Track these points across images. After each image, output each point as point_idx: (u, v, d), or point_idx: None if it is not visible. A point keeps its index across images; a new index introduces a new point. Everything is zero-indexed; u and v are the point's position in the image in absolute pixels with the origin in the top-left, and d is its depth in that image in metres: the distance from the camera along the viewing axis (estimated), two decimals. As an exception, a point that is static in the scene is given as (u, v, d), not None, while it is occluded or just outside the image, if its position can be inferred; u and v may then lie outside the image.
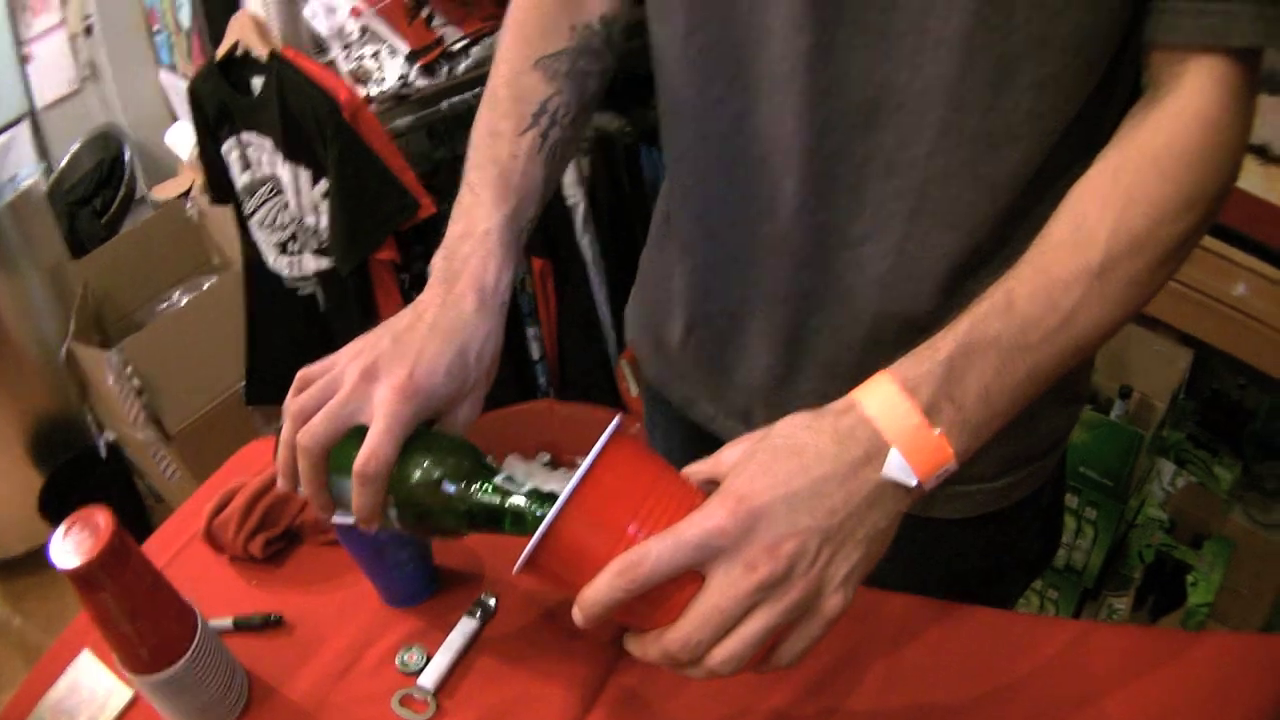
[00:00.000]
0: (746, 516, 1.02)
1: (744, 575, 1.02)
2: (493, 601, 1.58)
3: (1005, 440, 1.24)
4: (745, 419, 1.66)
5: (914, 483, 1.06)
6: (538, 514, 1.15)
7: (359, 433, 1.22)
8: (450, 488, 1.20)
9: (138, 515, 4.19)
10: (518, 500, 1.17)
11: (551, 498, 1.15)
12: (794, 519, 1.03)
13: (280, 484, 1.31)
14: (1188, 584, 3.09)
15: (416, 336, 1.29)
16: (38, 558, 4.13)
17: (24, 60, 4.72)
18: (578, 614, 1.06)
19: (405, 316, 1.33)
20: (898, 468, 1.05)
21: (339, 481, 1.25)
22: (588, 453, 1.09)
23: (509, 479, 1.19)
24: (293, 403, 1.27)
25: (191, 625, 1.39)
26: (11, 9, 4.60)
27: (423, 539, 1.34)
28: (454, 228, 1.43)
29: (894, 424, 1.06)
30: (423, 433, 1.26)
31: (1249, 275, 2.74)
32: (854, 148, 1.33)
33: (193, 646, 1.37)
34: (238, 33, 3.10)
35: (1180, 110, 1.16)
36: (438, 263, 1.40)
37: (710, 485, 1.10)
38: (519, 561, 1.06)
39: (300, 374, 1.31)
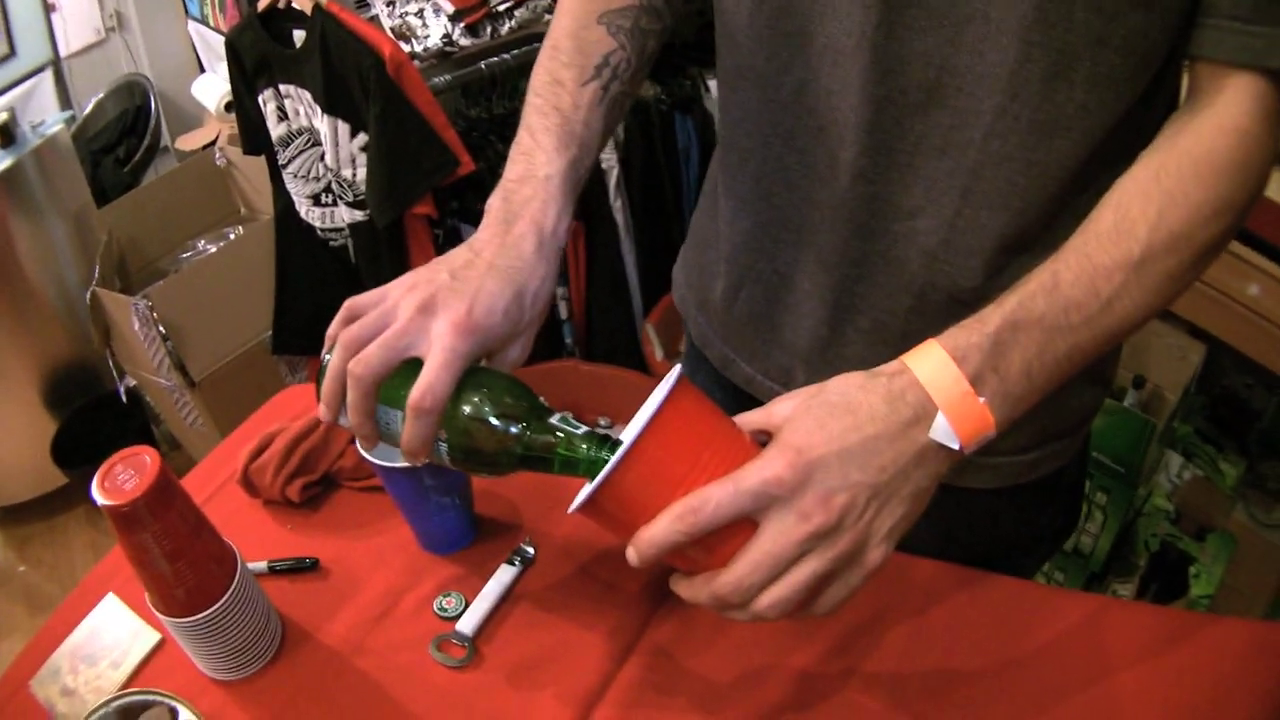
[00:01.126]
0: (804, 468, 1.07)
1: (798, 524, 1.07)
2: (531, 550, 1.60)
3: (1036, 415, 1.27)
4: (785, 381, 1.67)
5: (957, 446, 1.11)
6: (595, 456, 1.17)
7: (412, 366, 1.22)
8: (505, 426, 1.21)
9: (154, 460, 4.15)
10: (576, 442, 1.19)
11: (607, 441, 1.18)
12: (846, 473, 1.08)
13: (323, 413, 1.30)
14: (1190, 575, 3.12)
15: (475, 274, 1.29)
16: (45, 503, 4.20)
17: (49, 9, 4.70)
18: (633, 554, 1.10)
19: (461, 254, 1.33)
20: (943, 431, 1.11)
21: (387, 413, 1.25)
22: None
23: (565, 419, 1.21)
24: (344, 331, 1.26)
25: (230, 568, 1.40)
26: None
27: (470, 474, 1.33)
28: (512, 169, 1.43)
29: (942, 390, 1.11)
30: (477, 370, 1.26)
31: (1262, 276, 2.78)
32: (912, 125, 1.35)
33: (230, 589, 1.39)
34: None
35: (1220, 122, 1.21)
36: (495, 204, 1.40)
37: (762, 436, 1.16)
38: (579, 500, 1.09)
39: (349, 303, 1.31)
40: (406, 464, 1.46)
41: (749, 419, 1.18)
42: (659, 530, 1.07)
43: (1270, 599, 3.12)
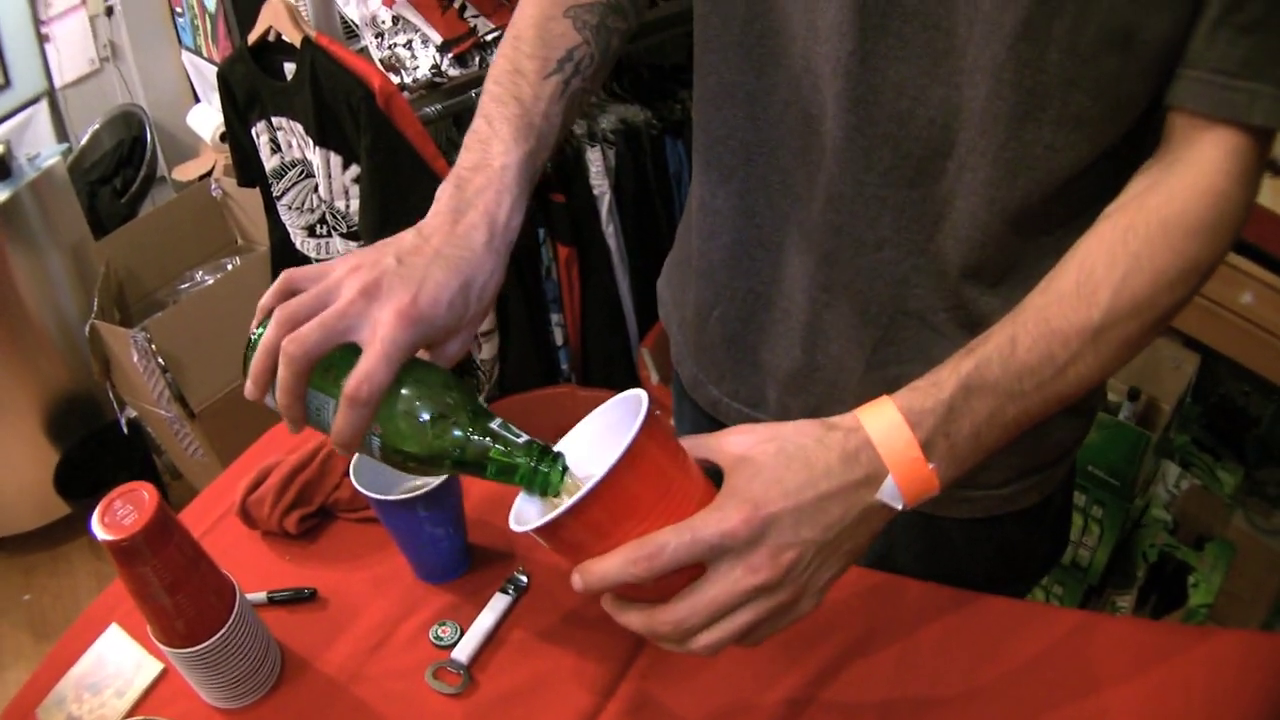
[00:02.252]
0: (759, 524, 1.07)
1: (745, 576, 1.08)
2: (525, 579, 1.61)
3: (1014, 450, 1.30)
4: (756, 404, 1.69)
5: (900, 506, 1.14)
6: (535, 468, 1.16)
7: (349, 351, 1.15)
8: (444, 426, 1.16)
9: (156, 490, 4.13)
10: (516, 451, 1.16)
11: (548, 453, 1.17)
12: (798, 530, 1.10)
13: (249, 390, 1.21)
14: (1189, 585, 3.11)
15: (422, 260, 1.22)
16: (50, 533, 4.21)
17: (43, 40, 4.70)
18: (579, 582, 1.10)
19: (409, 238, 1.26)
20: (890, 493, 1.13)
21: (319, 398, 1.18)
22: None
23: (505, 425, 1.18)
24: (281, 306, 1.17)
25: (230, 599, 1.42)
26: None
27: (401, 470, 1.23)
28: (466, 157, 1.36)
29: (894, 453, 1.13)
30: (417, 363, 1.21)
31: (1256, 285, 2.77)
32: (882, 154, 1.36)
33: (230, 620, 1.40)
34: (270, 18, 3.11)
35: (1194, 181, 1.20)
36: (446, 190, 1.32)
37: (707, 464, 1.16)
38: (539, 523, 1.07)
39: (286, 275, 1.23)
40: (401, 496, 1.49)
41: (697, 445, 1.17)
42: (611, 568, 1.07)
43: (1271, 604, 3.12)
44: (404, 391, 1.16)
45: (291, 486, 1.74)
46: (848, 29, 1.29)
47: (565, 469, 1.17)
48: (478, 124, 1.41)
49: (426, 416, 1.16)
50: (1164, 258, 1.18)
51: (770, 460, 1.12)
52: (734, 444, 1.15)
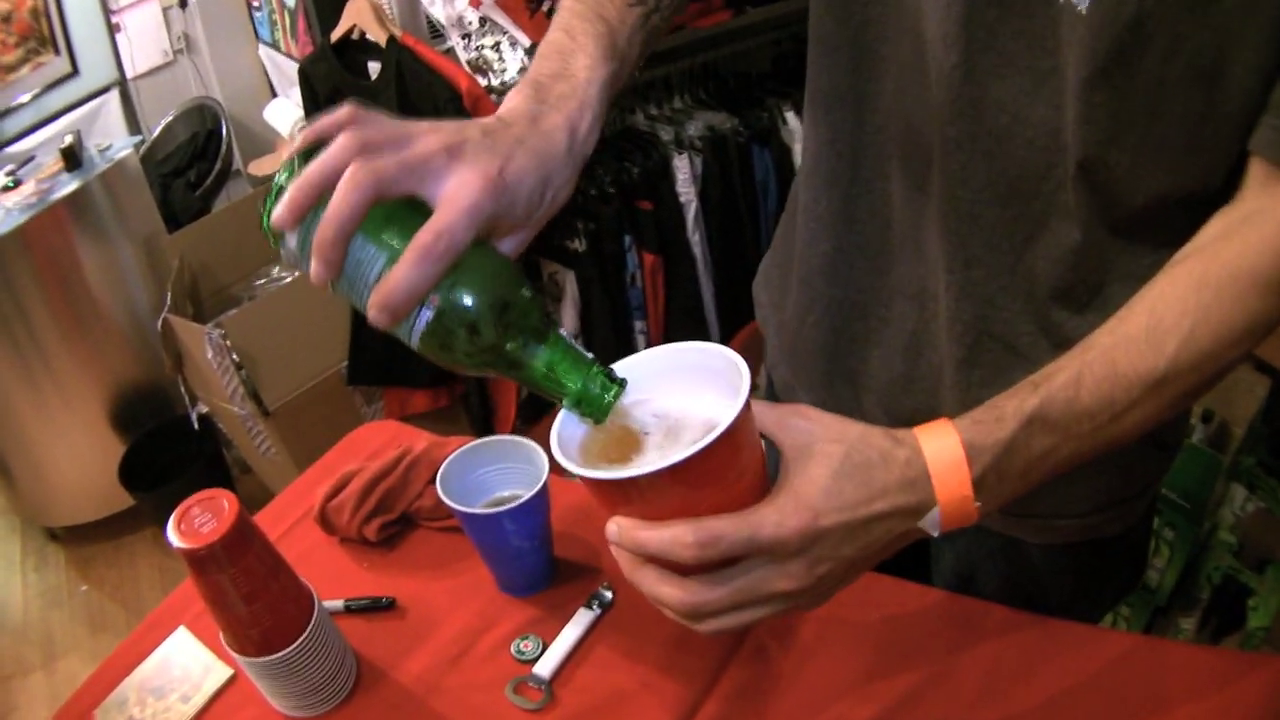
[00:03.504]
0: (812, 537, 1.07)
1: (778, 580, 1.08)
2: (610, 594, 1.60)
3: (1100, 482, 1.34)
4: (850, 414, 1.66)
5: (935, 534, 1.14)
6: (595, 393, 1.07)
7: (415, 208, 1.03)
8: (511, 317, 1.03)
9: (224, 484, 4.19)
10: (579, 367, 1.07)
11: (613, 380, 1.08)
12: (839, 547, 1.10)
13: (279, 215, 1.03)
14: (1249, 608, 3.11)
15: (507, 140, 1.12)
16: (109, 525, 4.25)
17: (113, 29, 4.72)
18: (615, 533, 1.08)
19: (488, 120, 1.15)
20: (932, 523, 1.13)
21: (367, 248, 1.02)
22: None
23: (571, 338, 1.09)
24: (351, 130, 1.03)
25: (308, 608, 1.42)
26: None
27: (429, 359, 1.07)
28: (544, 65, 1.27)
29: (947, 487, 1.12)
30: (489, 246, 1.09)
31: None
32: (978, 171, 1.35)
33: (307, 630, 1.40)
34: (354, 17, 3.12)
35: (1269, 236, 1.18)
36: (522, 93, 1.22)
37: (771, 437, 1.13)
38: (612, 475, 0.99)
39: (352, 110, 1.06)
40: (490, 511, 1.48)
41: (766, 414, 1.14)
42: (656, 541, 1.04)
43: None
44: (478, 264, 1.04)
45: (373, 494, 1.74)
46: (953, 41, 1.29)
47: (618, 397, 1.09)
48: (556, 35, 1.32)
49: (496, 300, 1.03)
50: (1232, 313, 1.17)
51: (834, 465, 1.10)
52: (798, 431, 1.13)
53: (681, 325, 3.64)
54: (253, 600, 1.32)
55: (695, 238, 3.51)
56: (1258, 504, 3.23)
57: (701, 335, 3.69)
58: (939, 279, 1.46)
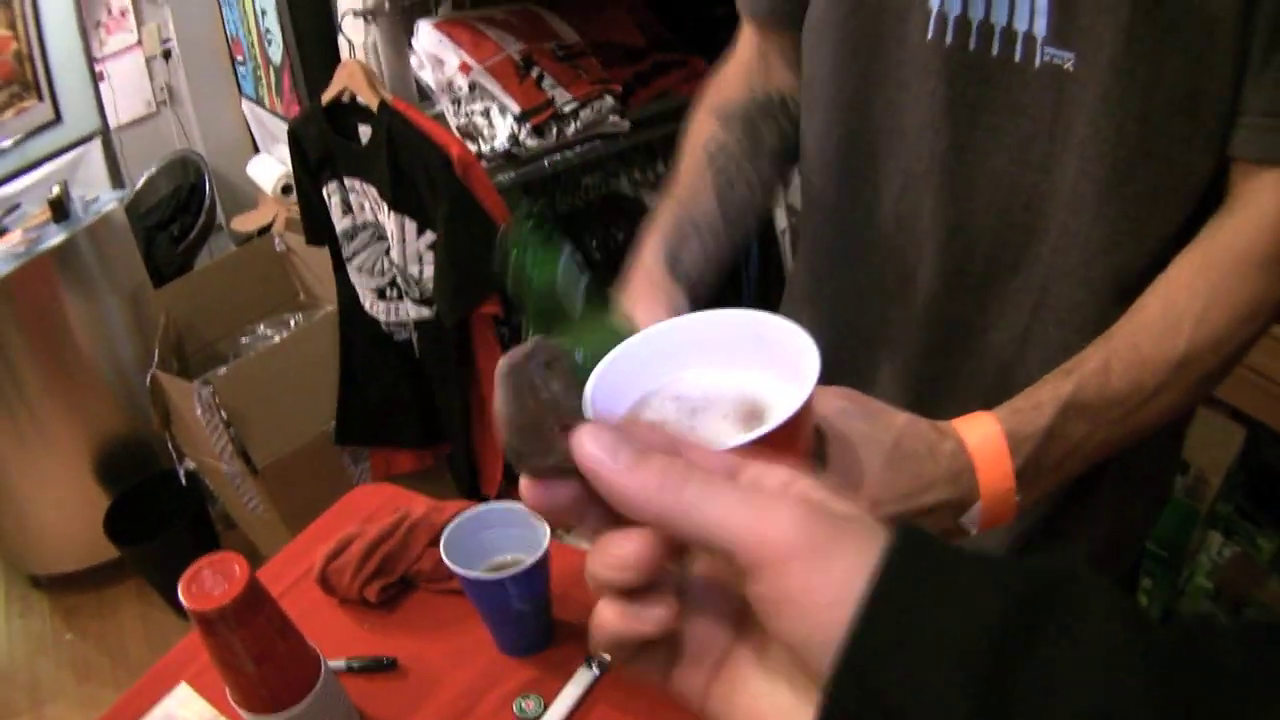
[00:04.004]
0: None
1: None
2: (608, 655, 1.60)
3: (1094, 530, 1.38)
4: None
5: (974, 532, 1.16)
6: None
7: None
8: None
9: (209, 540, 4.23)
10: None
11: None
12: None
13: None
14: None
15: None
16: (94, 575, 4.24)
17: (97, 78, 4.73)
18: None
19: None
20: (972, 519, 1.14)
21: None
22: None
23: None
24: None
25: (315, 668, 1.44)
26: (83, 25, 4.60)
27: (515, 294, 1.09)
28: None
29: (990, 482, 1.13)
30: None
31: None
32: (983, 246, 1.39)
33: (315, 689, 1.42)
34: (345, 80, 3.14)
35: (1260, 218, 1.22)
36: None
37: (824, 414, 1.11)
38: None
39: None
40: (492, 576, 1.53)
41: (830, 395, 1.14)
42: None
43: None
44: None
45: (374, 556, 1.76)
46: (941, 125, 1.34)
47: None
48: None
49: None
50: (1240, 290, 1.22)
51: (886, 453, 1.11)
52: (844, 414, 1.12)
53: None
54: (262, 661, 1.34)
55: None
56: (1234, 549, 3.26)
57: None
58: (953, 354, 1.50)
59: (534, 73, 3.22)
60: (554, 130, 3.19)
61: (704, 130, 1.58)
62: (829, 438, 1.09)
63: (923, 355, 1.53)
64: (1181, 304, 1.22)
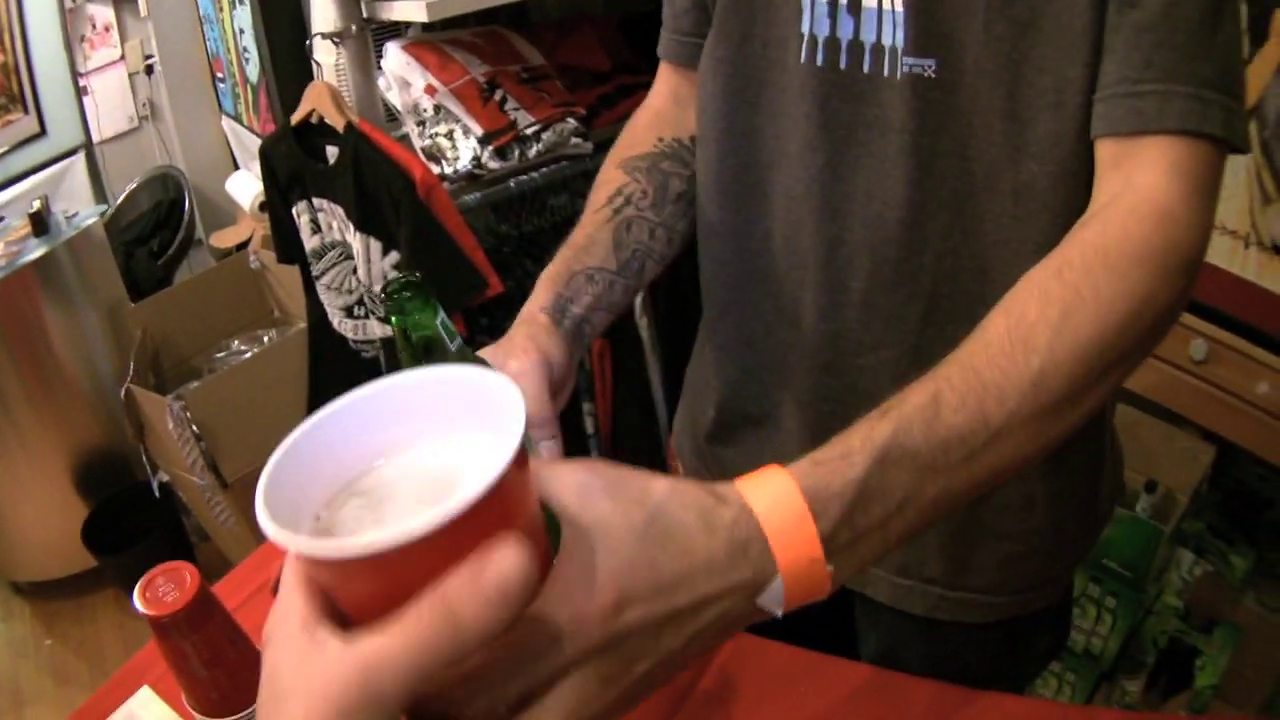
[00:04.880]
0: (620, 632, 0.79)
1: (601, 690, 0.80)
2: None
3: (1032, 559, 1.37)
4: None
5: (778, 614, 0.88)
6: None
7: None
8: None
9: (184, 551, 4.28)
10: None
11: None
12: (660, 641, 0.82)
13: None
14: (1196, 667, 3.14)
15: None
16: (75, 582, 4.30)
17: (81, 91, 4.76)
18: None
19: None
20: (774, 598, 0.86)
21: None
22: None
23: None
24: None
25: (266, 672, 1.48)
26: (68, 40, 4.63)
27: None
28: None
29: (790, 551, 0.86)
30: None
31: (1272, 375, 2.77)
32: (862, 261, 1.41)
33: (266, 694, 1.46)
34: (314, 101, 3.16)
35: (1134, 206, 1.12)
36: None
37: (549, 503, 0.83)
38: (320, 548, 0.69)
39: None
40: None
41: (538, 479, 0.82)
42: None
43: (1276, 680, 3.15)
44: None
45: None
46: (818, 146, 1.38)
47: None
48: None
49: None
50: (1109, 289, 1.06)
51: (639, 535, 0.82)
52: (580, 491, 0.83)
53: (629, 408, 3.69)
54: (213, 666, 1.38)
55: (643, 322, 3.56)
56: (1206, 567, 3.26)
57: (648, 419, 3.76)
58: (845, 373, 1.51)
59: (497, 95, 3.24)
60: (516, 152, 3.21)
61: (609, 180, 1.60)
62: (563, 524, 0.81)
63: (817, 378, 1.53)
64: (1032, 315, 1.05)
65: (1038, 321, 1.04)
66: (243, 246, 4.47)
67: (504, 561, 0.67)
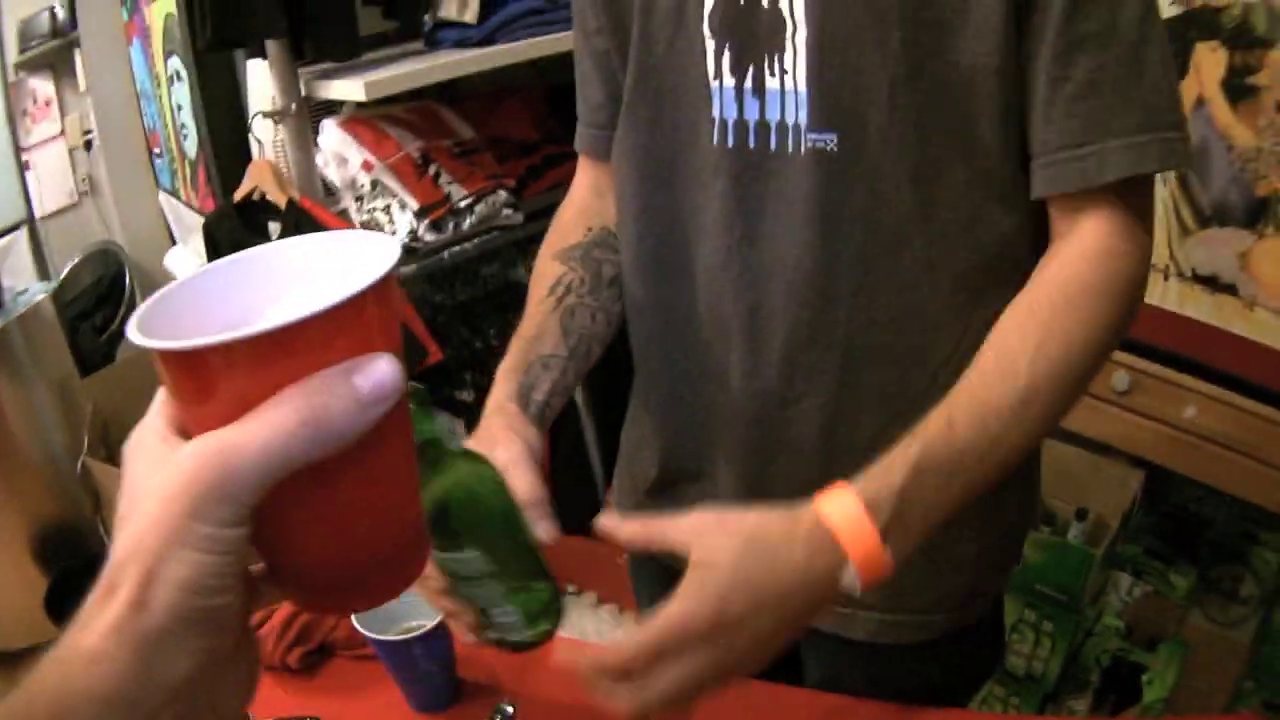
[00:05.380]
0: (722, 624, 1.14)
1: (709, 656, 1.15)
2: (511, 709, 1.73)
3: (966, 575, 1.51)
4: None
5: (858, 591, 1.19)
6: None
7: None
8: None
9: (143, 621, 4.24)
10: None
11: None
12: (756, 626, 1.16)
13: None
14: (1144, 682, 3.22)
15: None
16: (40, 653, 4.27)
17: (23, 167, 4.71)
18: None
19: None
20: (850, 579, 1.18)
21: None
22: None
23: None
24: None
25: (245, 729, 1.57)
26: (10, 114, 4.63)
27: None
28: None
29: (856, 541, 1.18)
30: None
31: (1198, 398, 2.89)
32: (779, 324, 1.51)
33: (246, 746, 1.51)
34: (256, 178, 3.24)
35: (1083, 248, 1.33)
36: None
37: (667, 558, 1.24)
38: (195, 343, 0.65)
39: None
40: (399, 637, 1.64)
41: (655, 535, 1.26)
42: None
43: (1232, 691, 3.22)
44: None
45: (294, 625, 1.87)
46: (733, 220, 1.49)
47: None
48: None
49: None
50: (1071, 320, 1.30)
51: (743, 560, 1.17)
52: (698, 535, 1.21)
53: (565, 470, 3.73)
54: None
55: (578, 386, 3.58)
56: (1145, 588, 3.37)
57: (586, 479, 3.85)
58: (772, 425, 1.60)
59: (432, 170, 3.30)
60: (450, 224, 3.29)
61: (548, 272, 1.70)
62: (689, 564, 1.18)
63: (746, 432, 1.63)
64: (1014, 347, 1.30)
65: (1019, 353, 1.29)
66: (185, 322, 4.45)
67: (380, 365, 0.67)
